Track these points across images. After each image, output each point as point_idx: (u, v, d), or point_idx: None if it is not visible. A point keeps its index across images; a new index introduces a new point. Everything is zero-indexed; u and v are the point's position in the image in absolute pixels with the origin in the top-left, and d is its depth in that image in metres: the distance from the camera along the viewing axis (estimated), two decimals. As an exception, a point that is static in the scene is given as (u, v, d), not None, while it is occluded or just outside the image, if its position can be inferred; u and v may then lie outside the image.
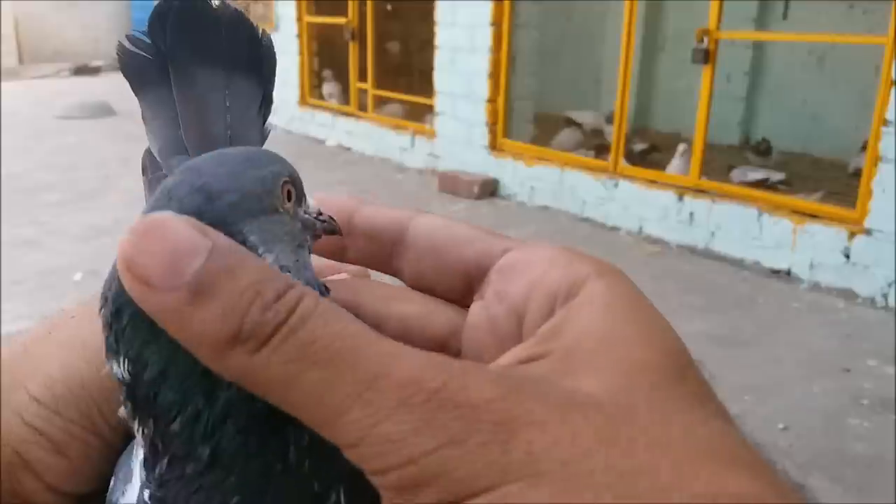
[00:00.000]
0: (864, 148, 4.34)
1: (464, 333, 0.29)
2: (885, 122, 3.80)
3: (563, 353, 0.24)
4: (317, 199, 0.33)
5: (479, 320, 0.29)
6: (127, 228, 0.24)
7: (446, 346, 0.30)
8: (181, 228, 0.24)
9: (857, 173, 4.45)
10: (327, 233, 0.32)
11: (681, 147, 5.13)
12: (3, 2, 15.02)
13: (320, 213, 0.32)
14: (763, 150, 5.91)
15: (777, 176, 5.31)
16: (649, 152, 5.82)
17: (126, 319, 0.25)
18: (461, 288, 0.30)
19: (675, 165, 5.08)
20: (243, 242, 0.26)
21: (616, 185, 5.08)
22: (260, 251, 0.26)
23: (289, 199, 0.29)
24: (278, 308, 0.22)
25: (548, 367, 0.24)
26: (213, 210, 0.26)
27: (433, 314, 0.31)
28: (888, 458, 2.50)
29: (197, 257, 0.23)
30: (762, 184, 5.04)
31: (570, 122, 6.53)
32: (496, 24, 5.71)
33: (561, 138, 6.12)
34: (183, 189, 0.26)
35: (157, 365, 0.25)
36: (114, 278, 0.25)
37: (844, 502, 2.32)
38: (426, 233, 0.31)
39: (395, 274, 0.32)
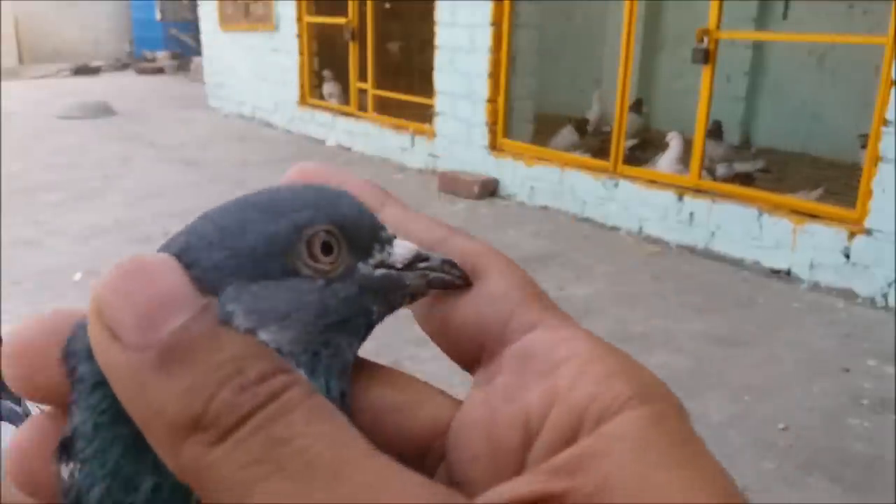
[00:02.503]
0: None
1: (453, 428, 0.23)
2: (885, 122, 3.80)
3: (584, 500, 0.18)
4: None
5: (476, 419, 0.22)
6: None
7: (428, 448, 0.23)
8: (171, 274, 0.19)
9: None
10: (435, 287, 0.24)
11: (670, 134, 5.14)
12: (3, 2, 15.01)
13: (421, 260, 0.24)
14: (716, 134, 5.73)
15: (758, 166, 5.32)
16: (642, 147, 5.82)
17: (93, 406, 0.21)
18: (466, 349, 0.24)
19: (668, 158, 5.09)
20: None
21: (616, 185, 5.08)
22: (241, 327, 0.20)
23: (326, 253, 0.22)
24: (257, 391, 0.18)
25: None
26: (192, 272, 0.20)
27: (420, 404, 0.24)
28: (888, 458, 2.50)
29: (181, 313, 0.19)
30: (743, 177, 5.05)
31: (579, 123, 6.47)
32: (496, 24, 5.71)
33: (559, 139, 6.11)
34: (174, 242, 0.22)
35: (103, 481, 0.20)
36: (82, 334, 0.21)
37: (844, 502, 2.32)
38: None
39: None
